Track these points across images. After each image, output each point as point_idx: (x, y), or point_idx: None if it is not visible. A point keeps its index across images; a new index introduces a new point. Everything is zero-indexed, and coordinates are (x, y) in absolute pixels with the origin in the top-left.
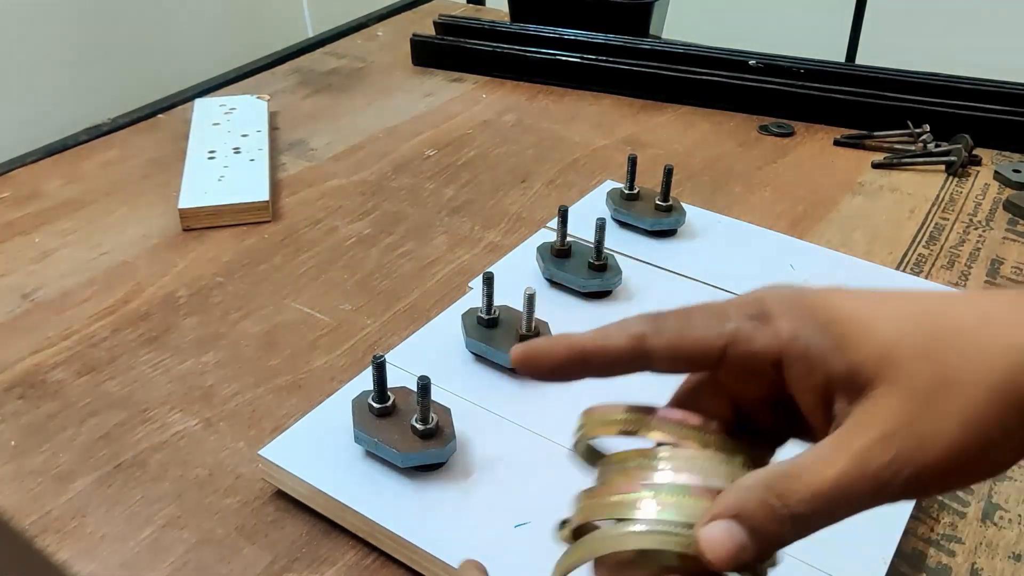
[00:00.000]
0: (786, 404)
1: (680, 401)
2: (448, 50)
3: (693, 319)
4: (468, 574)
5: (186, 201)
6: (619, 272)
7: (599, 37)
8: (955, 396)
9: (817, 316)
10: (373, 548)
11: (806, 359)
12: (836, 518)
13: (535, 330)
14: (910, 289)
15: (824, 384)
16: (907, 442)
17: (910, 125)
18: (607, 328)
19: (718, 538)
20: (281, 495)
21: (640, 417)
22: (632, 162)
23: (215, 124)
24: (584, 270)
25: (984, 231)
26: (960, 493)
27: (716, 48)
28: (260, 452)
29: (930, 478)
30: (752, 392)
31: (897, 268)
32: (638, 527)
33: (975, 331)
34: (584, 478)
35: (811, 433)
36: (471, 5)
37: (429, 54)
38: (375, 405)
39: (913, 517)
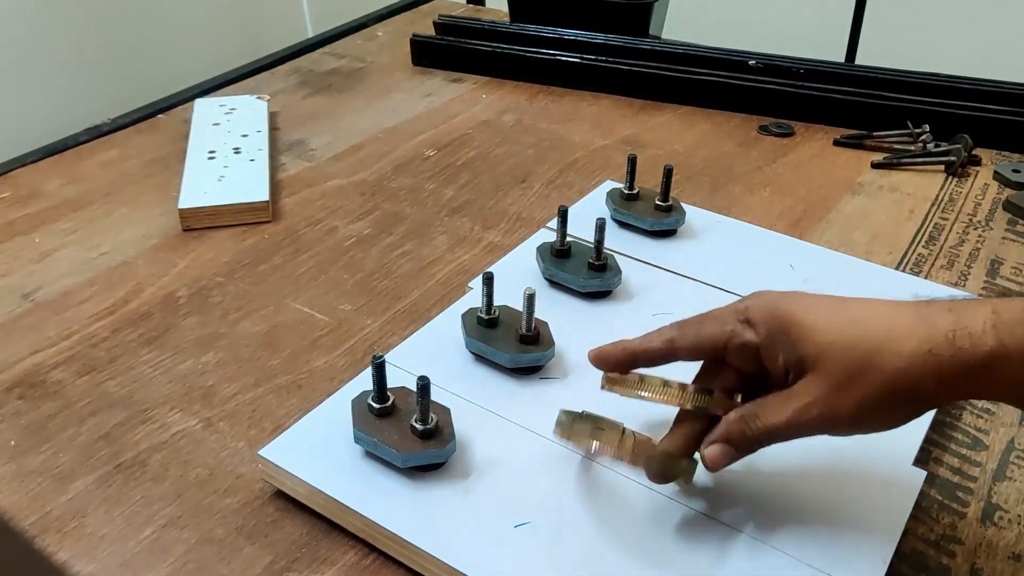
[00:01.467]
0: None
1: (701, 377)
2: (448, 50)
3: (704, 325)
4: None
5: (186, 201)
6: (619, 272)
7: (599, 37)
8: (857, 385)
9: (782, 321)
10: (373, 548)
11: (774, 349)
12: (782, 440)
13: (535, 330)
14: (855, 299)
15: (783, 365)
16: (824, 409)
17: (909, 125)
18: (649, 334)
19: (716, 453)
20: (281, 495)
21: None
22: (632, 162)
23: (215, 124)
24: (584, 270)
25: (984, 231)
26: (960, 493)
27: (716, 48)
28: (260, 452)
29: (836, 429)
30: (747, 366)
31: (896, 268)
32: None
33: (880, 341)
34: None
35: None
36: (471, 5)
37: (429, 54)
38: (375, 405)
39: (913, 517)
